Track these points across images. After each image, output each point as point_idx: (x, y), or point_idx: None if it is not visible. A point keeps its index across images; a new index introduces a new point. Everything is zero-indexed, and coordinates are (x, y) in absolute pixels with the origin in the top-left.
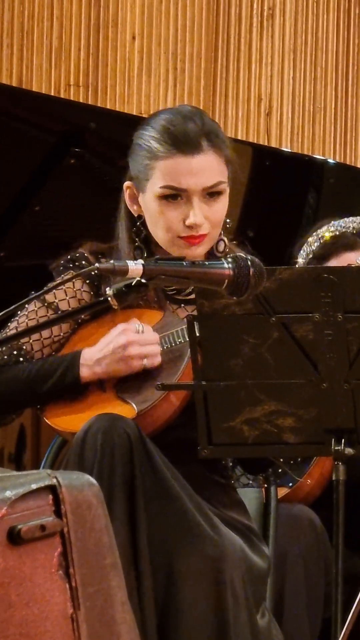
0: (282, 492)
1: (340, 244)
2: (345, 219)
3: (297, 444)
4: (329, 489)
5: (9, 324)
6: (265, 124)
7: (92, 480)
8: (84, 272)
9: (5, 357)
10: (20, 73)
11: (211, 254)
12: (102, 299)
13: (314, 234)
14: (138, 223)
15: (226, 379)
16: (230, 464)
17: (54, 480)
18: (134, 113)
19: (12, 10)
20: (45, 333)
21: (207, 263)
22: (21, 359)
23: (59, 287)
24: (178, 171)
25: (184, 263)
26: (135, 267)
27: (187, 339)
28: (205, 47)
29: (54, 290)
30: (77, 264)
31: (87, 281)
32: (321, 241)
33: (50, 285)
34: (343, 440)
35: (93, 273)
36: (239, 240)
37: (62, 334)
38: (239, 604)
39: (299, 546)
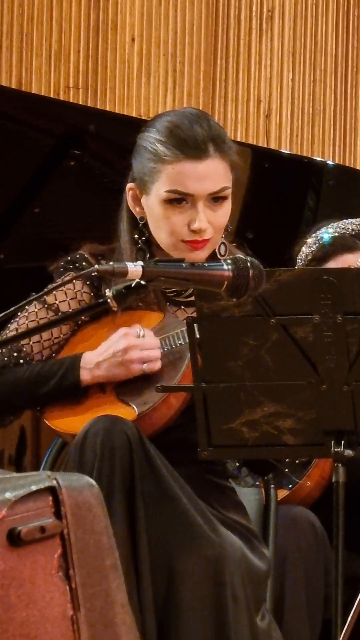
0: (282, 493)
1: (339, 245)
2: (344, 220)
3: (297, 445)
4: (329, 491)
5: (9, 325)
6: (264, 126)
7: (92, 481)
8: (84, 273)
9: (5, 358)
10: (19, 75)
11: (212, 257)
12: (101, 300)
13: (313, 235)
14: (140, 225)
15: (226, 381)
16: (237, 464)
17: (54, 482)
18: (134, 115)
19: (11, 13)
20: (46, 335)
21: (206, 265)
22: (21, 360)
23: (59, 289)
24: (184, 176)
25: (184, 265)
26: (135, 268)
27: (187, 341)
28: (204, 49)
29: (55, 292)
30: (77, 265)
31: (88, 283)
32: (320, 243)
33: (50, 286)
34: (343, 442)
35: (93, 274)
36: (238, 242)
37: (62, 335)
38: (239, 605)
39: (298, 548)
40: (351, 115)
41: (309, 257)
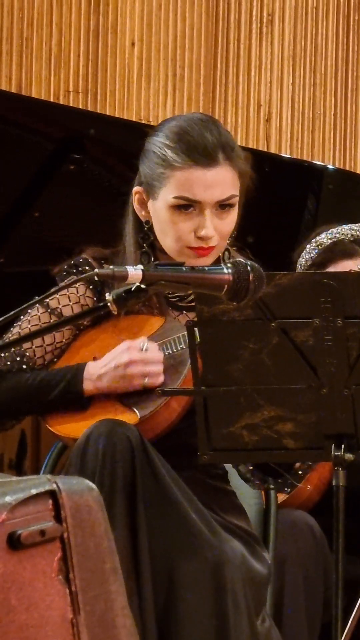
0: (282, 497)
1: (339, 251)
2: (344, 226)
3: (297, 449)
4: (328, 495)
5: (11, 329)
6: (264, 130)
7: (92, 485)
8: (84, 277)
9: (9, 363)
10: (19, 79)
11: (216, 262)
12: (101, 304)
13: (313, 241)
14: (145, 228)
15: (226, 385)
16: (250, 467)
17: (54, 485)
18: (134, 119)
19: (11, 17)
20: (48, 339)
21: (206, 268)
22: (24, 366)
23: (61, 293)
24: (193, 183)
25: (184, 268)
26: (135, 272)
27: None
28: (204, 53)
29: (58, 297)
30: (79, 269)
31: (91, 287)
32: (319, 249)
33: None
34: (343, 445)
35: (96, 279)
36: (238, 246)
37: (64, 339)
38: (240, 609)
39: (298, 551)
40: (351, 119)
41: (309, 263)
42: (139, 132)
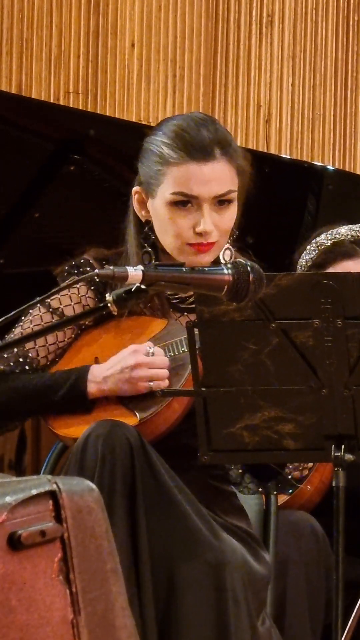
0: (282, 498)
1: (339, 252)
2: (344, 227)
3: (297, 450)
4: (329, 495)
5: (13, 329)
6: (264, 131)
7: (92, 485)
8: (84, 277)
9: (12, 363)
10: (19, 80)
11: (216, 263)
12: (102, 304)
13: (312, 242)
14: (146, 228)
15: (226, 385)
16: (240, 471)
17: (54, 486)
18: (134, 120)
19: (11, 18)
20: (51, 339)
21: (206, 269)
22: (27, 367)
23: (62, 293)
24: (190, 178)
25: (184, 269)
26: (135, 273)
27: None
28: (204, 54)
29: (59, 297)
30: (81, 270)
31: (92, 288)
32: (319, 250)
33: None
34: (343, 446)
35: (96, 279)
36: (238, 246)
37: (66, 339)
38: (240, 610)
39: (299, 552)
40: (351, 120)
41: (309, 264)
42: (138, 133)
